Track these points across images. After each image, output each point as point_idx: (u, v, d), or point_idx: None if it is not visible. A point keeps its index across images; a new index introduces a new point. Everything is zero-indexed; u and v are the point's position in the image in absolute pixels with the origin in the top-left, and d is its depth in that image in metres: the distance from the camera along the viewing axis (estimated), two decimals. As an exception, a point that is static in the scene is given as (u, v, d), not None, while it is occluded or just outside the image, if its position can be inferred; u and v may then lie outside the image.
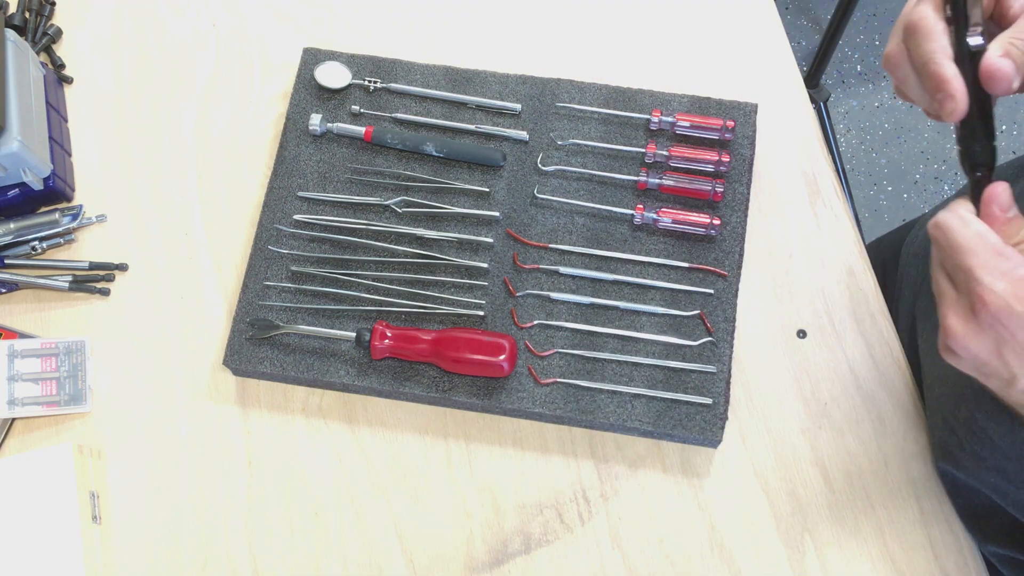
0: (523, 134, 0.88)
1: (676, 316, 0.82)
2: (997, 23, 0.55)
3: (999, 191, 0.53)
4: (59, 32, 0.96)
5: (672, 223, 0.84)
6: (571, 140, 0.88)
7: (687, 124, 0.87)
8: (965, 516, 0.77)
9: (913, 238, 0.93)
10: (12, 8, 0.96)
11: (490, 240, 0.84)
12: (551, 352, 0.81)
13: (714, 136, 0.87)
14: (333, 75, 0.90)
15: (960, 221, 0.52)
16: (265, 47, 0.96)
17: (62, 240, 0.87)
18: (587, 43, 0.95)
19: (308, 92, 0.91)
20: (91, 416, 0.82)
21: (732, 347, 0.80)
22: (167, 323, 0.85)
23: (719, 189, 0.84)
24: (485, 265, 0.84)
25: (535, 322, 0.82)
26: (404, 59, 0.92)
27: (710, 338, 0.81)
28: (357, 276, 0.83)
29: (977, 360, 0.51)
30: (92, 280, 0.86)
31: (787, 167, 0.90)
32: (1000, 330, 0.49)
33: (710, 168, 0.86)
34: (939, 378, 0.75)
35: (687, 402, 0.79)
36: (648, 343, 0.81)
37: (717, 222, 0.83)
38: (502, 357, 0.78)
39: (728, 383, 0.79)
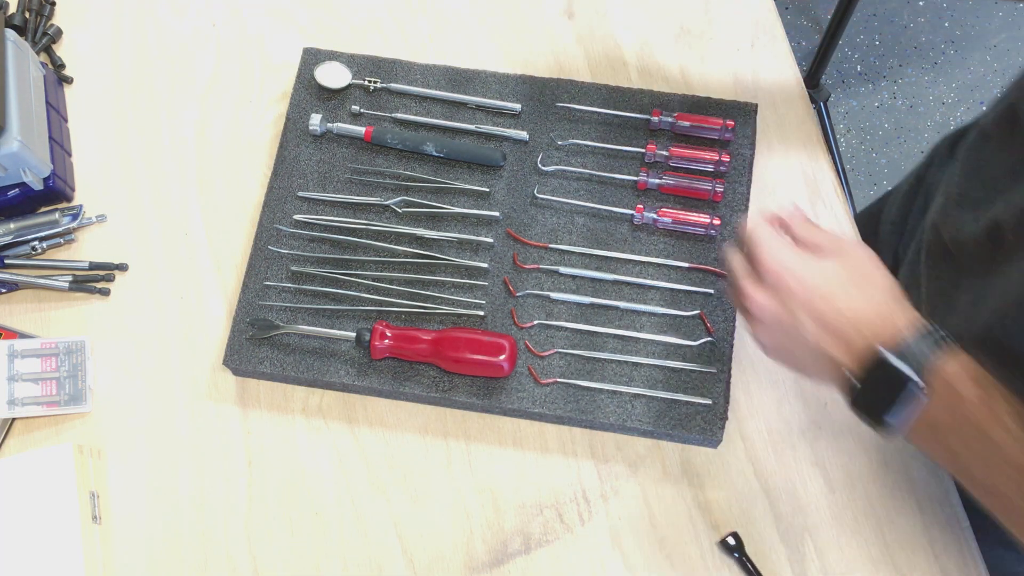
0: (523, 134, 0.88)
1: (676, 316, 0.82)
2: None
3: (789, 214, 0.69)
4: (59, 32, 0.96)
5: (672, 223, 0.84)
6: (571, 140, 0.88)
7: (687, 124, 0.87)
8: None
9: (887, 214, 0.95)
10: (12, 8, 0.96)
11: (490, 240, 0.84)
12: (551, 352, 0.81)
13: (714, 136, 0.87)
14: (333, 75, 0.90)
15: (758, 225, 0.67)
16: (265, 47, 0.96)
17: (62, 240, 0.87)
18: (586, 43, 0.95)
19: (308, 92, 0.91)
20: (91, 416, 0.82)
21: (732, 347, 0.80)
22: (167, 323, 0.85)
23: (719, 189, 0.84)
24: (485, 265, 0.84)
25: (535, 322, 0.82)
26: (404, 59, 0.92)
27: (710, 338, 0.81)
28: (357, 276, 0.83)
29: (773, 315, 0.63)
30: (92, 280, 0.86)
31: (787, 167, 0.90)
32: (781, 287, 0.63)
33: (710, 168, 0.86)
34: None
35: (687, 402, 0.79)
36: (648, 343, 0.81)
37: (717, 222, 0.83)
38: (502, 357, 0.78)
39: (728, 383, 0.79)
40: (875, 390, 0.59)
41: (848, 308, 0.61)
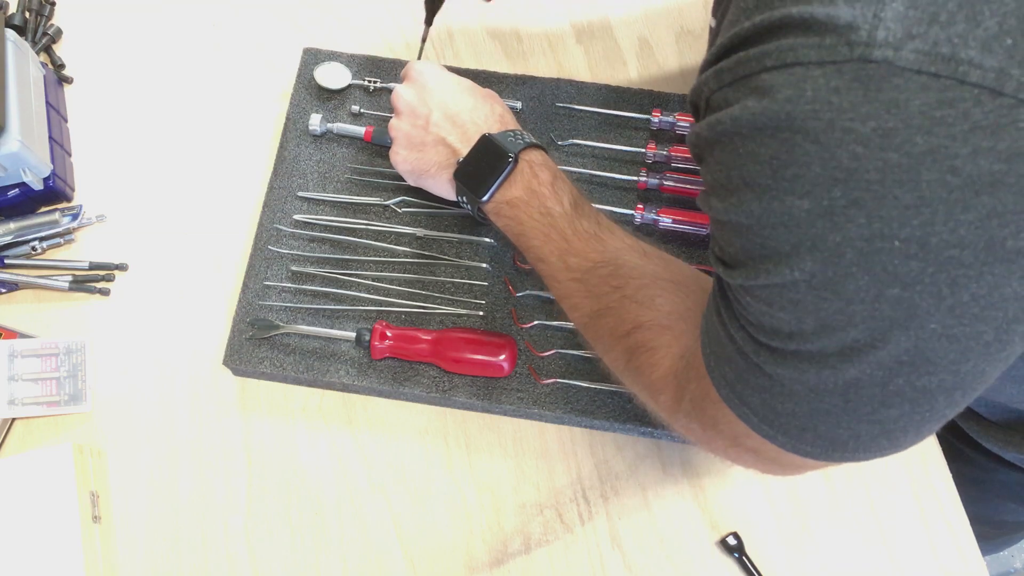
0: (523, 134, 0.88)
1: (676, 316, 0.82)
2: None
3: None
4: (59, 32, 0.96)
5: (672, 223, 0.84)
6: (571, 140, 0.88)
7: (687, 124, 0.87)
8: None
9: None
10: (12, 8, 0.96)
11: (490, 240, 0.84)
12: (551, 352, 0.81)
13: (714, 136, 0.87)
14: (333, 75, 0.90)
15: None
16: (265, 47, 0.96)
17: (62, 240, 0.87)
18: (586, 43, 0.95)
19: (308, 92, 0.91)
20: (91, 416, 0.82)
21: (732, 347, 0.80)
22: (167, 323, 0.85)
23: (719, 189, 0.84)
24: (485, 265, 0.84)
25: (535, 322, 0.82)
26: (404, 59, 0.92)
27: (710, 338, 0.81)
28: (357, 276, 0.83)
29: (410, 106, 0.77)
30: (92, 280, 0.86)
31: (787, 167, 0.89)
32: (422, 85, 0.78)
33: (710, 168, 0.86)
34: None
35: (687, 402, 0.78)
36: (648, 343, 0.81)
37: (717, 222, 0.83)
38: (502, 357, 0.78)
39: (728, 383, 0.79)
40: (477, 161, 0.73)
41: (470, 110, 0.76)
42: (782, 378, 0.49)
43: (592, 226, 0.69)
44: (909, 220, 0.40)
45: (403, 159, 0.78)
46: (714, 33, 0.56)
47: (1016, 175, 0.38)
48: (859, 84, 0.39)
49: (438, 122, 0.76)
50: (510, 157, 0.72)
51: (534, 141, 0.74)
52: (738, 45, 0.44)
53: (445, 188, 0.77)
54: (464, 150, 0.74)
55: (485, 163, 0.73)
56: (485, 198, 0.72)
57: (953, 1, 0.38)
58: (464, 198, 0.75)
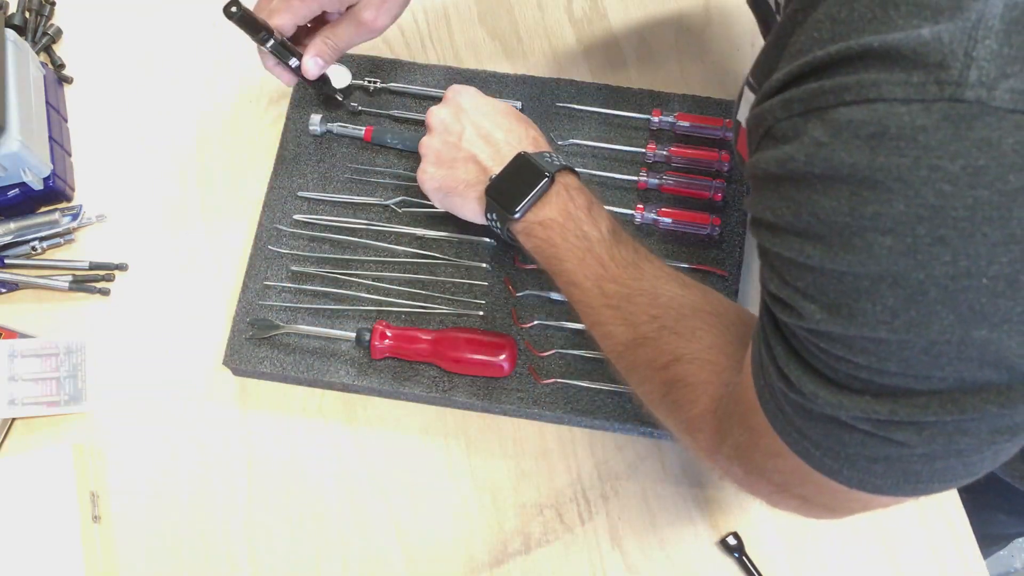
0: (523, 134, 0.88)
1: (676, 316, 0.82)
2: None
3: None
4: (59, 32, 0.96)
5: (672, 223, 0.84)
6: (571, 140, 0.88)
7: (687, 124, 0.87)
8: None
9: None
10: (12, 8, 0.96)
11: (490, 240, 0.84)
12: (551, 352, 0.81)
13: (714, 136, 0.87)
14: (333, 75, 0.90)
15: None
16: (265, 47, 0.96)
17: (62, 240, 0.87)
18: (586, 43, 0.95)
19: (308, 92, 0.91)
20: (91, 416, 0.82)
21: (732, 347, 0.80)
22: (167, 323, 0.85)
23: (719, 189, 0.84)
24: (485, 265, 0.84)
25: (535, 322, 0.82)
26: (404, 59, 0.92)
27: (710, 338, 0.80)
28: (357, 276, 0.83)
29: (443, 124, 0.76)
30: (92, 280, 0.86)
31: (787, 167, 0.89)
32: (456, 104, 0.77)
33: (710, 168, 0.86)
34: None
35: (687, 402, 0.78)
36: (648, 343, 0.81)
37: (717, 222, 0.83)
38: (502, 357, 0.78)
39: (728, 383, 0.79)
40: (511, 178, 0.72)
41: (504, 130, 0.75)
42: (853, 418, 0.46)
43: (630, 254, 0.67)
44: (998, 257, 0.38)
45: (430, 176, 0.76)
46: (766, 53, 0.53)
47: None
48: (949, 123, 0.37)
49: (470, 139, 0.74)
50: (546, 175, 0.70)
51: (569, 164, 0.73)
52: (809, 74, 0.42)
53: (472, 208, 0.75)
54: (496, 168, 0.73)
55: (519, 180, 0.71)
56: (517, 214, 0.70)
57: None
58: (494, 215, 0.73)
